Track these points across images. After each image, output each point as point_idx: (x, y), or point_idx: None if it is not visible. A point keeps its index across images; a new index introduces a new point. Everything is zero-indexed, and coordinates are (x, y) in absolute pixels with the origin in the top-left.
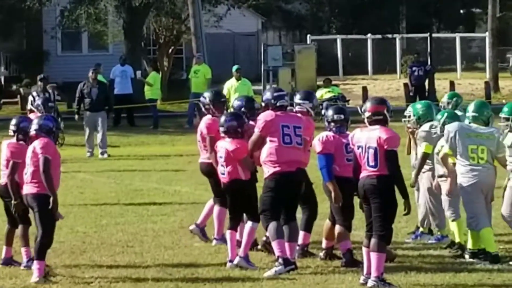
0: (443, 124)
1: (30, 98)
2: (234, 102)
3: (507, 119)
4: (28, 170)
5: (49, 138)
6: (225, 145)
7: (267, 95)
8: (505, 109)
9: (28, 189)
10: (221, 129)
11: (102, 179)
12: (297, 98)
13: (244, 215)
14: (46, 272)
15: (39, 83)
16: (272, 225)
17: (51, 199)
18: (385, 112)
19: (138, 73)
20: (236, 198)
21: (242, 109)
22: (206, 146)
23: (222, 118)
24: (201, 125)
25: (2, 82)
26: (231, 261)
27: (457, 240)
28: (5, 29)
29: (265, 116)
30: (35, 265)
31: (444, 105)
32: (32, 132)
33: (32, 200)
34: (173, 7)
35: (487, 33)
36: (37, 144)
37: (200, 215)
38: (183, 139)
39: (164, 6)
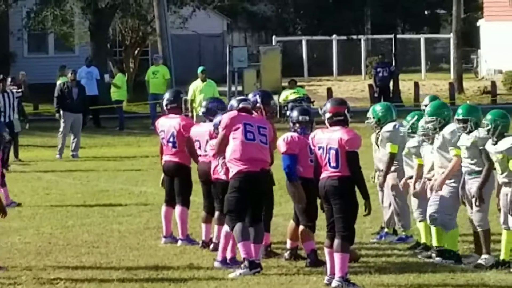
0: (412, 127)
1: None
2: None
3: (462, 121)
4: None
5: None
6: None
7: (232, 101)
8: (460, 110)
9: None
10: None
11: (68, 180)
12: None
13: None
14: None
15: None
16: (238, 227)
17: None
18: (346, 112)
19: (106, 76)
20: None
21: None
22: (181, 145)
23: (217, 117)
24: (175, 124)
25: None
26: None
27: (422, 240)
28: None
29: (227, 115)
30: None
31: (426, 108)
32: None
33: None
34: (139, 9)
35: (451, 34)
36: None
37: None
38: (149, 140)
39: (130, 7)
